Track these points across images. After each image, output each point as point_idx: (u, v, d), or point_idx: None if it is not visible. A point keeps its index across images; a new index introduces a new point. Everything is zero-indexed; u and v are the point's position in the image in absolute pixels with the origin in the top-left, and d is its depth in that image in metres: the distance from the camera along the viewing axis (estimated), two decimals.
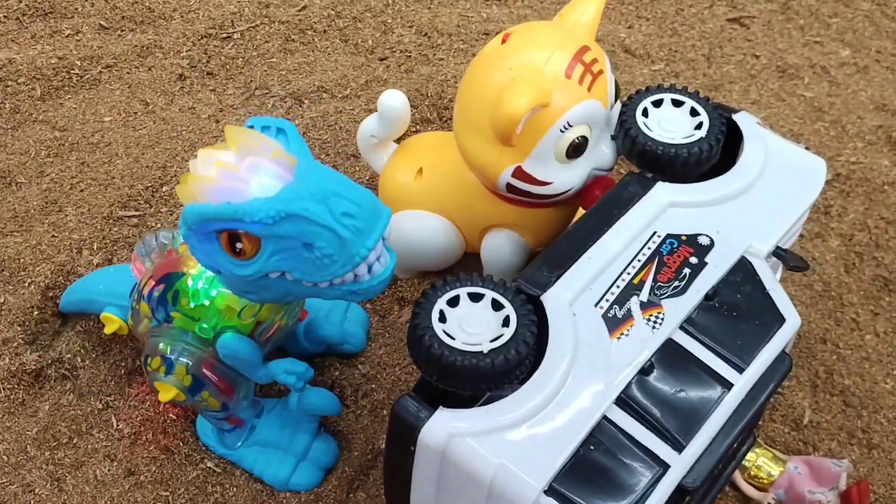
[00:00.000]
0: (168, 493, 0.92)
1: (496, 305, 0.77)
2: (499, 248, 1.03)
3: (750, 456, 0.96)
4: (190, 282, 0.83)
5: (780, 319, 0.81)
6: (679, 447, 0.73)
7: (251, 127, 0.73)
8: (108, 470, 0.93)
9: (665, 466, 0.72)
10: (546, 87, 0.87)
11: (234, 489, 0.93)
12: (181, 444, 0.96)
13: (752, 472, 0.96)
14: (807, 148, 0.93)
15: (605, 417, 0.74)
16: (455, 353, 0.73)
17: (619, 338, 0.77)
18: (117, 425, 0.96)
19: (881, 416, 1.04)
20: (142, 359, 0.88)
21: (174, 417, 0.97)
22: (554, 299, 0.79)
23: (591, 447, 0.72)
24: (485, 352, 0.73)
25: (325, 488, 0.94)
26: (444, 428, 0.72)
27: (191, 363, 0.85)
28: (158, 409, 0.98)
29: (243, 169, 0.69)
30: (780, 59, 1.44)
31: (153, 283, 0.86)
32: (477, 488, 0.71)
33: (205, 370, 0.86)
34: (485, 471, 0.70)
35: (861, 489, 0.91)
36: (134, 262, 0.93)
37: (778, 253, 0.85)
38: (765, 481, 0.96)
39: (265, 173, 0.69)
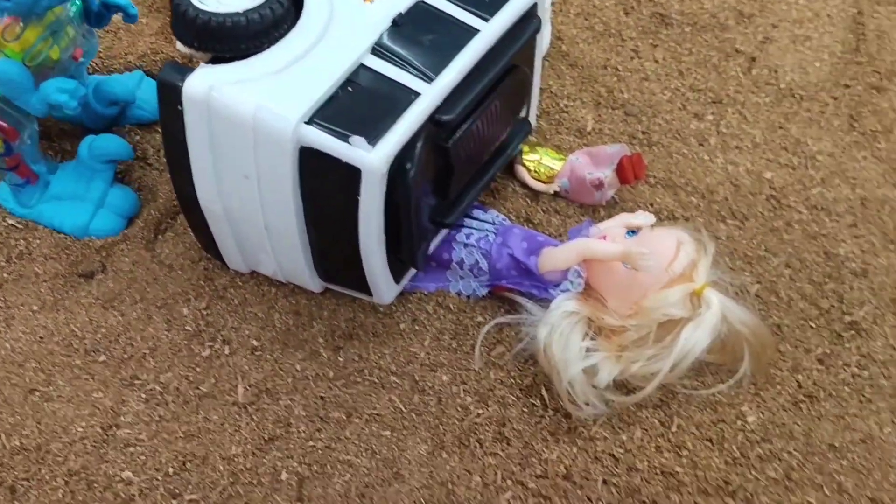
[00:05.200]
0: None
1: None
2: None
3: (533, 156, 1.03)
4: None
5: None
6: (429, 79, 0.78)
7: None
8: None
9: (416, 94, 0.77)
10: None
11: (38, 240, 0.95)
12: None
13: (537, 168, 1.03)
14: None
15: (361, 65, 0.79)
16: (209, 14, 0.76)
17: (373, 1, 0.83)
18: None
19: (659, 119, 1.13)
20: None
21: None
22: None
23: (350, 89, 0.78)
24: (240, 11, 0.77)
25: (132, 230, 0.97)
26: (204, 81, 0.75)
27: None
28: None
29: None
30: None
31: None
32: (243, 133, 0.75)
33: None
34: (245, 112, 0.74)
35: (634, 160, 0.99)
36: None
37: None
38: (549, 175, 1.03)
39: None
